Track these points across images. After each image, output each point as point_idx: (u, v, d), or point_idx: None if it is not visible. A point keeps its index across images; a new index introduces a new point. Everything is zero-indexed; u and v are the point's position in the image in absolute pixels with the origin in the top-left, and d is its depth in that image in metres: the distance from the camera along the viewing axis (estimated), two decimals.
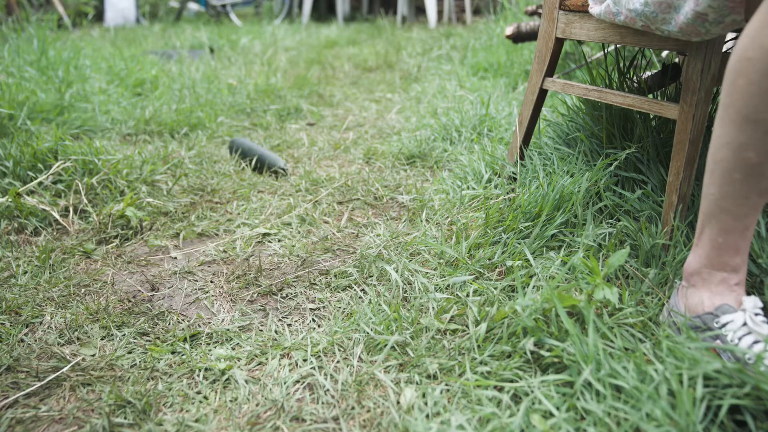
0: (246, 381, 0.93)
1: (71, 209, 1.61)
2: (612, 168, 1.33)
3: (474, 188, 1.57)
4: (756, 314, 0.86)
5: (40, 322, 1.11)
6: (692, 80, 1.08)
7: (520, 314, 0.93)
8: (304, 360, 0.98)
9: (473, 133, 2.11)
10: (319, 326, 1.09)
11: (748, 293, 1.03)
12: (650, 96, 1.40)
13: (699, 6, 0.91)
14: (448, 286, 1.16)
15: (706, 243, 0.90)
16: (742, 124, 0.78)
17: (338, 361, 0.97)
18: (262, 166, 1.97)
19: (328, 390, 0.90)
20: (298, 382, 0.93)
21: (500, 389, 0.87)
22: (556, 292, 0.90)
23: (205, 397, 0.90)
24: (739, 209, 0.84)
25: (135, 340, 1.05)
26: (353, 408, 0.86)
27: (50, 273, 1.31)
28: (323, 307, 1.16)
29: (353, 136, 2.44)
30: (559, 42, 1.37)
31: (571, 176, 1.36)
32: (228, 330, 1.07)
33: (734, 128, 0.79)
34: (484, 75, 3.38)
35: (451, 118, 2.24)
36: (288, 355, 1.00)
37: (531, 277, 1.13)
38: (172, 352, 1.02)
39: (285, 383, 0.92)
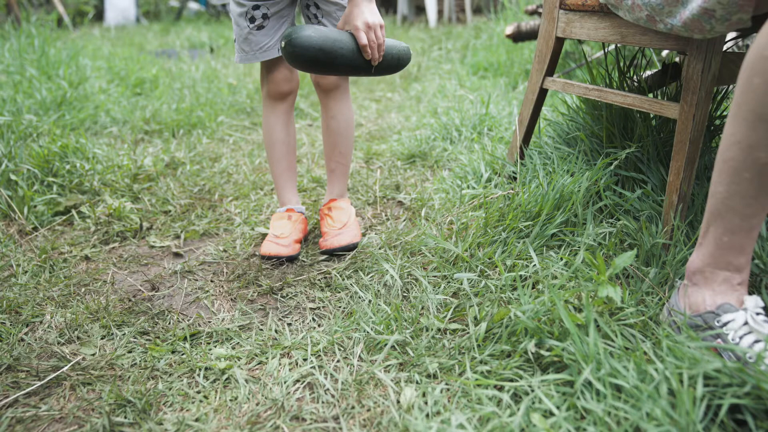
0: (246, 380, 0.93)
1: (72, 209, 1.62)
2: (612, 167, 1.33)
3: (474, 187, 1.57)
4: (757, 313, 0.86)
5: (41, 322, 1.11)
6: (692, 80, 1.08)
7: (520, 315, 0.93)
8: (304, 359, 0.97)
9: (473, 132, 2.11)
10: (319, 325, 1.09)
11: (750, 293, 1.03)
12: (650, 95, 1.40)
13: (707, 2, 0.90)
14: (449, 283, 1.16)
15: (711, 242, 0.90)
16: (755, 123, 0.77)
17: (338, 361, 0.97)
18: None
19: (328, 389, 0.90)
20: (298, 381, 0.93)
21: (500, 388, 0.87)
22: (558, 293, 0.90)
23: (206, 397, 0.90)
24: (747, 209, 0.84)
25: (135, 340, 1.05)
26: (353, 407, 0.86)
27: (50, 272, 1.31)
28: (323, 307, 1.16)
29: None
30: (560, 41, 1.37)
31: (571, 175, 1.36)
32: (228, 329, 1.07)
33: (746, 127, 0.79)
34: (484, 74, 3.38)
35: (451, 118, 2.23)
36: (288, 354, 1.00)
37: (531, 275, 1.13)
38: (173, 352, 1.02)
39: (285, 382, 0.92)
